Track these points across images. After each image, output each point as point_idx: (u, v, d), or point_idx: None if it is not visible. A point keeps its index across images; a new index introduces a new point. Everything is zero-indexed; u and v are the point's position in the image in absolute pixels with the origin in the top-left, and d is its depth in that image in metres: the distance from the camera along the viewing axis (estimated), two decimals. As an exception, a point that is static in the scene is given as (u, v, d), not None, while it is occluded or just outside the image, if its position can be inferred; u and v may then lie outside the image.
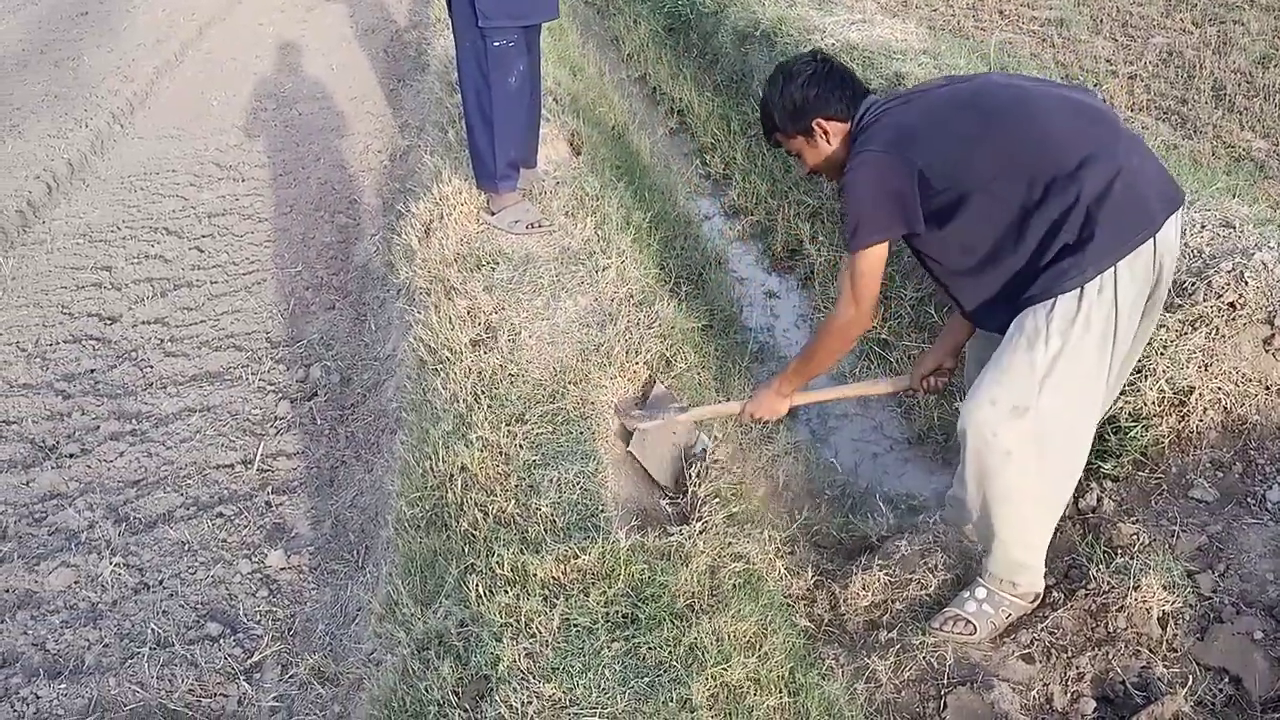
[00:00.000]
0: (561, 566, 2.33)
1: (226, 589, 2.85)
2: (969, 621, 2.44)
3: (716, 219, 5.46)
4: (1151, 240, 2.09)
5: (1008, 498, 2.24)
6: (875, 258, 2.28)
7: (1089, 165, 2.07)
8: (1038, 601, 2.46)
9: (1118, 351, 2.16)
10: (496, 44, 3.51)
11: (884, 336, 3.96)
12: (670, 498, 2.96)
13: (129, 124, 6.69)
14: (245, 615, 2.76)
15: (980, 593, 2.45)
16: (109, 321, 4.27)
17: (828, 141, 2.43)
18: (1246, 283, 2.67)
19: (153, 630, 2.69)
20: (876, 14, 6.29)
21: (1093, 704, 2.21)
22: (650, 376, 3.22)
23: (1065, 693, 2.26)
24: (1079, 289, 2.08)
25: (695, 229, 5.08)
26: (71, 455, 3.42)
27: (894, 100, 2.35)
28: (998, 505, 2.26)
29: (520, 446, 2.75)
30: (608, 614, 2.21)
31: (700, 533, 2.51)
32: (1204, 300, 2.69)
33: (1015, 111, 2.18)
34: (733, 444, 3.45)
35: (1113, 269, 2.07)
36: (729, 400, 3.11)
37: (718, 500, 2.80)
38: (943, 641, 2.43)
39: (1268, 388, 2.64)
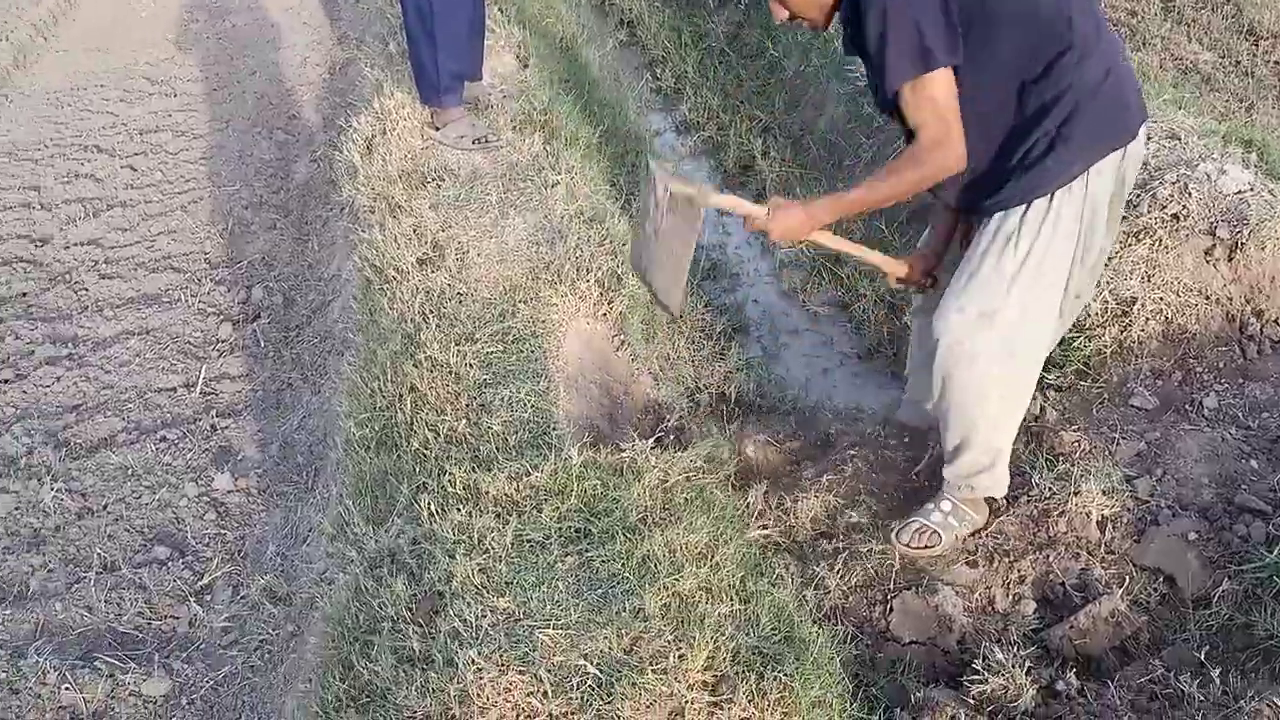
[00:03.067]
0: (514, 484, 2.32)
1: (173, 513, 2.81)
2: (935, 532, 2.42)
3: (668, 134, 5.37)
4: (1123, 149, 2.07)
5: (974, 401, 2.24)
6: (947, 83, 1.99)
7: (1088, 59, 2.01)
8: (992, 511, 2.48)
9: (1084, 259, 2.16)
10: (436, -51, 3.36)
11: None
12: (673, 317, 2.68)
13: (52, 36, 6.35)
14: (193, 538, 2.73)
15: (945, 505, 2.44)
16: (40, 243, 4.11)
17: None
18: (1190, 194, 2.70)
19: (99, 555, 2.65)
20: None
21: (1033, 605, 2.28)
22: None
23: (1007, 595, 2.32)
24: (1050, 194, 2.05)
25: (646, 145, 4.99)
26: (6, 381, 3.31)
27: None
28: (965, 409, 2.26)
29: (470, 365, 2.71)
30: (560, 529, 2.22)
31: (652, 448, 2.51)
32: (1148, 212, 2.72)
33: None
34: (685, 362, 3.46)
35: (1085, 174, 2.04)
36: (756, 204, 2.42)
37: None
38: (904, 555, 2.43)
39: (1207, 298, 2.69)
